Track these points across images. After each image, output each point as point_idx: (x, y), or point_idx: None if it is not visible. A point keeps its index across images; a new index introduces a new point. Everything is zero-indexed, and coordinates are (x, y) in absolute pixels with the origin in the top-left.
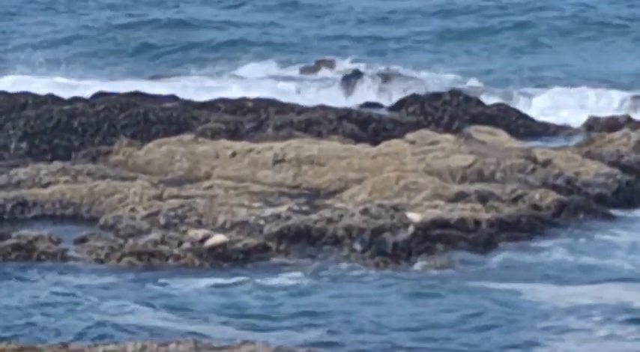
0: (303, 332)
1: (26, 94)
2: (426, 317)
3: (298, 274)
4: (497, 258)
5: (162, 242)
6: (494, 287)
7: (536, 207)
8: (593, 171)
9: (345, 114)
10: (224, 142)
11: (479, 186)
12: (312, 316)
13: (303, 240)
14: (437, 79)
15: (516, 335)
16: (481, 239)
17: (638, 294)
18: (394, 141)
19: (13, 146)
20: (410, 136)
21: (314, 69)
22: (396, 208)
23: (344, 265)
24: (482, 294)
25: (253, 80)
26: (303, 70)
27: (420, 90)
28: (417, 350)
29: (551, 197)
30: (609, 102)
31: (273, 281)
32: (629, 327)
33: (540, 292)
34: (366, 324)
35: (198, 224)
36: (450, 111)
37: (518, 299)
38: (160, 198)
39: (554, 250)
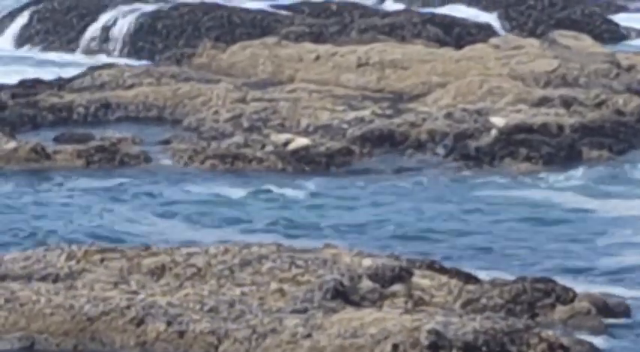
0: (380, 234)
1: None
2: (501, 224)
3: (377, 177)
4: (578, 167)
5: (246, 145)
6: (570, 198)
7: (619, 112)
8: None
9: (429, 18)
10: (308, 45)
11: (562, 91)
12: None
13: (386, 144)
14: None
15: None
16: (564, 144)
17: None
18: (478, 46)
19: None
20: (494, 41)
21: None
22: (479, 112)
23: (426, 169)
24: (554, 204)
25: None
26: None
27: None
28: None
29: (635, 102)
30: None
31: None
32: None
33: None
34: (437, 227)
35: (281, 127)
36: (535, 16)
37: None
38: (243, 100)
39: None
